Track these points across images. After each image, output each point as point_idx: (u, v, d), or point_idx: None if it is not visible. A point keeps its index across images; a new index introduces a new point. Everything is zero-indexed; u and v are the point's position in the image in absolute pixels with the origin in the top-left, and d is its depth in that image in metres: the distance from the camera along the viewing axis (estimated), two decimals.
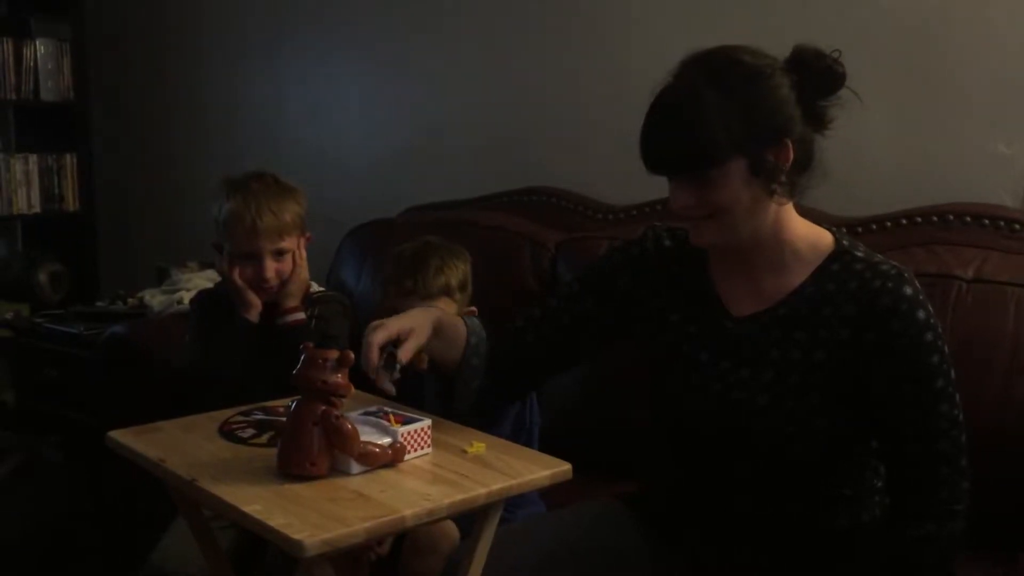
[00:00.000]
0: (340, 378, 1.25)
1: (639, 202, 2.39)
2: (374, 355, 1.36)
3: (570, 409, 2.10)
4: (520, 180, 2.64)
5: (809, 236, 1.39)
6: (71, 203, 3.81)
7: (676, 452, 1.50)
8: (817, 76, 1.33)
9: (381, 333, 1.38)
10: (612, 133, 2.44)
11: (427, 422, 1.34)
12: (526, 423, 1.84)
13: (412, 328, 1.41)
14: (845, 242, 1.39)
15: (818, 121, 1.35)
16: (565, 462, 1.31)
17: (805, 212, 1.42)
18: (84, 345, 2.94)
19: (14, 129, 3.83)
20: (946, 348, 1.31)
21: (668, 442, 1.52)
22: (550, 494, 1.70)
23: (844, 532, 1.40)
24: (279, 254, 1.90)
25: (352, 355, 1.28)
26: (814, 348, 1.34)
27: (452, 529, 1.66)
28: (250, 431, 1.44)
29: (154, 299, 2.90)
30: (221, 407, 1.54)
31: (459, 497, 1.20)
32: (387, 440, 1.29)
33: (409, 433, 1.31)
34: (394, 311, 1.52)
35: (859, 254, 1.36)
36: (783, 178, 1.32)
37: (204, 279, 2.84)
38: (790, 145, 1.31)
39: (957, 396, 1.31)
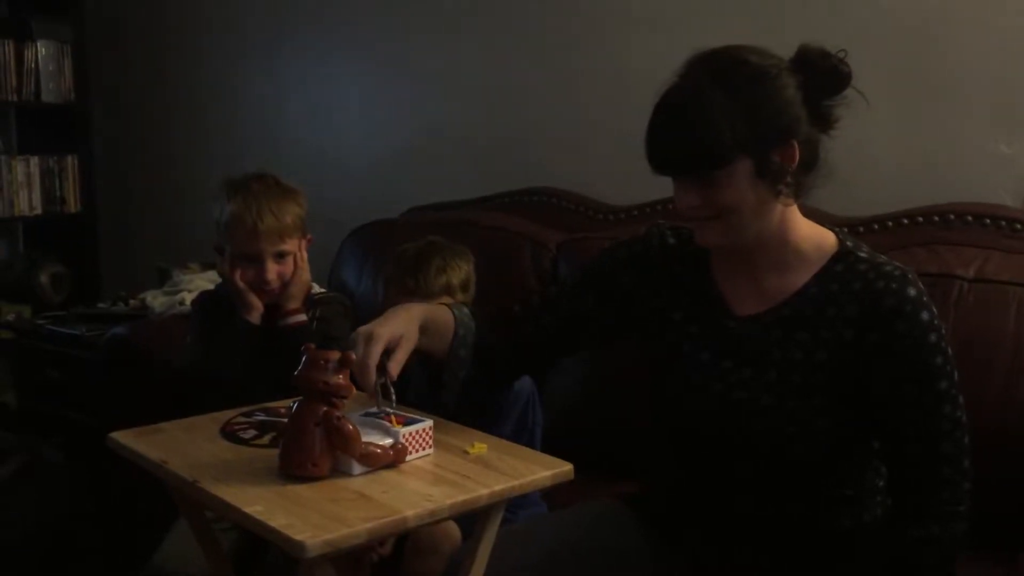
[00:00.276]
0: (341, 379, 1.25)
1: (640, 202, 2.39)
2: (372, 376, 1.33)
3: (571, 409, 2.10)
4: (521, 180, 2.64)
5: (813, 236, 1.39)
6: (72, 204, 3.80)
7: (677, 452, 1.50)
8: (823, 76, 1.33)
9: (375, 347, 1.34)
10: (613, 133, 2.45)
11: (429, 423, 1.34)
12: (528, 424, 1.84)
13: (402, 335, 1.39)
14: (849, 243, 1.39)
15: (824, 121, 1.34)
16: (567, 462, 1.31)
17: (807, 212, 1.41)
18: (85, 346, 2.94)
19: (15, 131, 3.83)
20: (949, 350, 1.31)
21: (669, 442, 1.52)
22: (552, 494, 1.70)
23: (845, 532, 1.40)
24: (280, 256, 1.89)
25: (354, 356, 1.28)
26: (817, 348, 1.34)
27: (454, 530, 1.66)
28: (252, 432, 1.44)
29: (155, 300, 2.90)
30: (223, 408, 1.54)
31: (461, 498, 1.20)
32: (389, 441, 1.29)
33: (411, 434, 1.31)
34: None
35: (863, 255, 1.36)
36: (789, 179, 1.32)
37: (205, 280, 2.84)
38: (796, 146, 1.31)
39: (960, 398, 1.31)
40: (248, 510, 1.15)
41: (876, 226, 2.04)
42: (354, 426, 1.24)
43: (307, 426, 1.23)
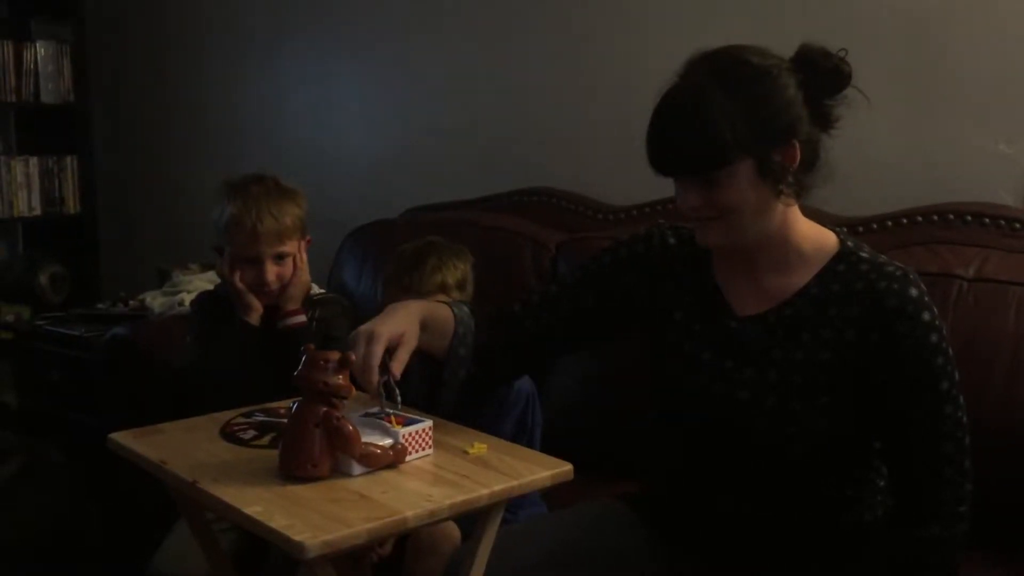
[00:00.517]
0: (341, 379, 1.25)
1: (640, 202, 2.39)
2: (375, 377, 1.33)
3: (571, 409, 2.09)
4: (521, 180, 2.64)
5: (814, 237, 1.39)
6: (72, 205, 3.80)
7: (678, 451, 1.50)
8: (824, 75, 1.33)
9: (377, 347, 1.34)
10: (613, 133, 2.45)
11: (428, 423, 1.34)
12: (528, 424, 1.84)
13: (403, 333, 1.38)
14: (850, 243, 1.39)
15: (824, 120, 1.34)
16: (566, 463, 1.31)
17: (807, 211, 1.41)
18: (85, 347, 2.94)
19: (14, 131, 3.83)
20: (950, 350, 1.31)
21: (670, 441, 1.52)
22: (551, 495, 1.70)
23: (846, 532, 1.40)
24: (280, 258, 1.90)
25: (354, 356, 1.28)
26: (819, 349, 1.34)
27: (454, 530, 1.66)
28: (251, 432, 1.44)
29: (155, 301, 2.90)
30: (222, 409, 1.54)
31: (461, 498, 1.20)
32: (388, 441, 1.29)
33: (410, 434, 1.31)
34: None
35: (864, 255, 1.36)
36: (790, 179, 1.32)
37: (205, 281, 2.84)
38: (797, 145, 1.31)
39: (961, 398, 1.31)
40: (248, 511, 1.15)
41: (876, 225, 2.04)
42: (354, 426, 1.24)
43: (307, 426, 1.23)
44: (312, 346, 1.29)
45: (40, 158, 3.72)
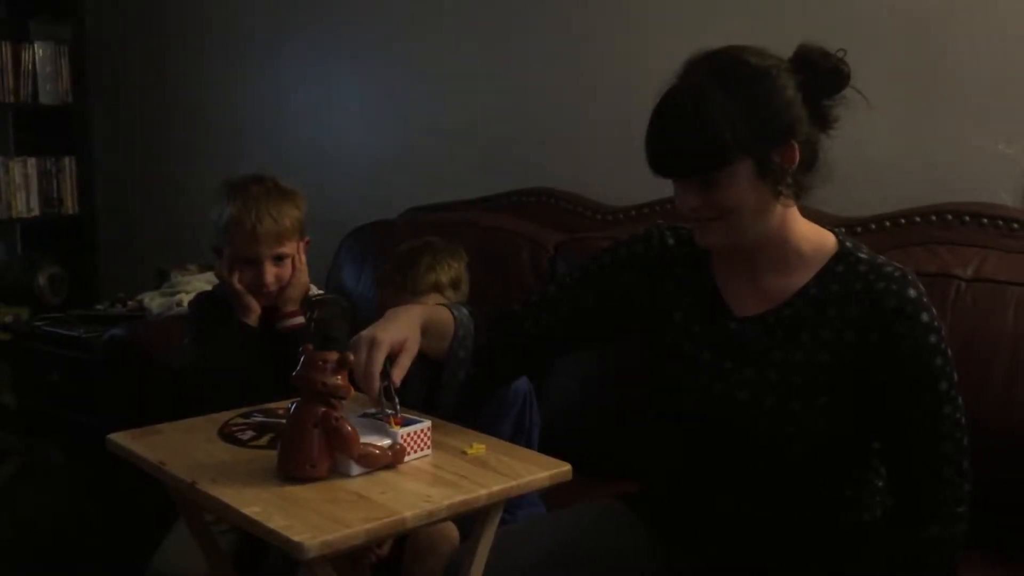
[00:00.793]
0: (340, 380, 1.25)
1: (638, 203, 2.39)
2: (376, 384, 1.32)
3: (570, 410, 2.09)
4: (520, 181, 2.64)
5: (813, 237, 1.39)
6: (70, 206, 3.80)
7: (677, 452, 1.50)
8: (823, 76, 1.33)
9: (379, 354, 1.33)
10: (612, 134, 2.45)
11: (427, 424, 1.34)
12: (525, 424, 1.84)
13: (405, 339, 1.38)
14: (848, 243, 1.39)
15: (823, 121, 1.35)
16: (565, 463, 1.31)
17: (805, 212, 1.41)
18: (84, 347, 2.94)
19: (13, 132, 3.83)
20: (949, 351, 1.31)
21: (669, 442, 1.52)
22: (550, 495, 1.70)
23: (845, 532, 1.40)
24: (279, 259, 1.90)
25: (352, 357, 1.28)
26: (818, 350, 1.34)
27: (452, 531, 1.66)
28: (250, 433, 1.44)
29: (153, 302, 2.90)
30: (221, 410, 1.54)
31: (459, 498, 1.20)
32: (387, 442, 1.29)
33: (409, 435, 1.31)
34: (386, 308, 1.51)
35: (863, 255, 1.36)
36: (789, 179, 1.32)
37: (203, 281, 2.84)
38: (796, 146, 1.31)
39: (960, 398, 1.31)
40: (247, 511, 1.15)
41: (874, 226, 2.04)
42: (352, 427, 1.24)
43: (305, 427, 1.23)
44: (311, 346, 1.29)
45: (38, 159, 3.72)
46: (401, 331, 1.39)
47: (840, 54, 1.34)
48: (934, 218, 1.98)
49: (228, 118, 3.46)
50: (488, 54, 2.76)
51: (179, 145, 3.65)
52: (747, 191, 1.30)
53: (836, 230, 1.42)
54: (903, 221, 2.02)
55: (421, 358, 1.47)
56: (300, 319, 1.91)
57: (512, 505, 1.58)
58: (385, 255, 2.05)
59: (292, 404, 1.27)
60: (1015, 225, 1.91)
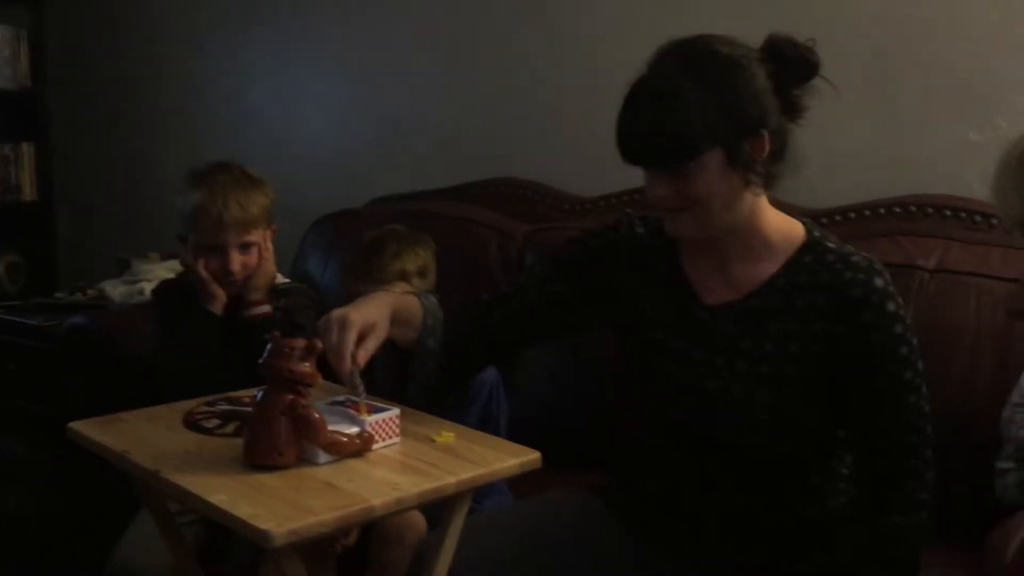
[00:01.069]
0: (307, 367, 1.23)
1: (606, 193, 2.39)
2: (348, 362, 1.32)
3: (539, 400, 2.09)
4: (487, 171, 2.63)
5: (782, 227, 1.40)
6: (28, 193, 3.75)
7: (647, 440, 1.50)
8: (792, 65, 1.33)
9: (350, 333, 1.33)
10: (579, 124, 2.45)
11: (395, 411, 1.33)
12: (492, 413, 1.83)
13: (375, 323, 1.38)
14: (816, 233, 1.39)
15: (793, 110, 1.35)
16: (534, 451, 1.31)
17: (772, 203, 1.42)
18: (43, 337, 2.91)
19: None
20: (915, 340, 1.32)
21: (639, 430, 1.52)
22: (518, 485, 1.69)
23: (812, 520, 1.41)
24: (245, 247, 1.88)
25: (320, 344, 1.27)
26: (787, 340, 1.34)
27: (420, 520, 1.65)
28: (215, 421, 1.42)
29: (115, 290, 2.87)
30: (185, 399, 1.52)
31: (428, 486, 1.20)
32: (355, 429, 1.28)
33: (377, 422, 1.30)
34: (352, 296, 1.50)
35: (831, 245, 1.37)
36: (759, 169, 1.33)
37: (166, 270, 2.81)
38: (766, 136, 1.31)
39: (924, 388, 1.32)
40: (212, 499, 1.13)
41: (839, 217, 2.05)
42: (320, 414, 1.23)
43: (273, 414, 1.22)
44: (278, 334, 1.27)
45: None
46: (371, 314, 1.38)
47: (809, 43, 1.34)
48: (898, 210, 2.00)
49: (190, 106, 3.42)
50: (455, 45, 2.75)
51: (140, 132, 3.60)
52: (717, 181, 1.31)
53: (804, 220, 1.43)
54: (867, 212, 2.03)
55: (390, 350, 1.46)
56: (266, 308, 1.89)
57: (479, 494, 1.58)
58: (350, 244, 2.04)
59: (259, 392, 1.26)
60: (978, 217, 1.93)
